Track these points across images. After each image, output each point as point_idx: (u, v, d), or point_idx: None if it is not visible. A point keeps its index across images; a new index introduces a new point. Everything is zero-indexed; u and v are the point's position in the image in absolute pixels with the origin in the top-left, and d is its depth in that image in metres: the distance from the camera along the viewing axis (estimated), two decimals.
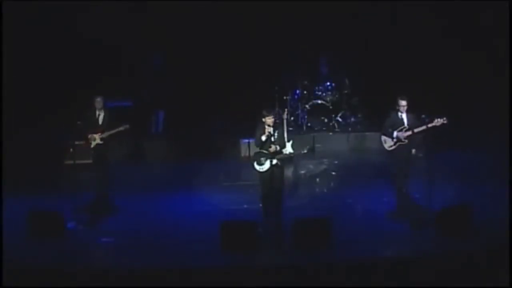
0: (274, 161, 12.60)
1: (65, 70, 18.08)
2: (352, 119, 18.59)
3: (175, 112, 18.75)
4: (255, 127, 12.77)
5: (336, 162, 17.14)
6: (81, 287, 11.19)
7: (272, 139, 12.61)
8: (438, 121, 12.99)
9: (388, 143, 13.41)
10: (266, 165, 12.65)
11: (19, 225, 12.68)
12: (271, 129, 12.60)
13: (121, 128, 13.75)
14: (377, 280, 11.14)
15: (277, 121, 13.02)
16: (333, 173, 16.51)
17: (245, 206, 13.98)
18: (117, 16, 18.32)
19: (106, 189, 13.94)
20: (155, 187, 15.33)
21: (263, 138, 12.58)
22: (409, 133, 13.17)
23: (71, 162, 14.49)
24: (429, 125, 13.06)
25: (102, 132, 13.77)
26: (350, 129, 18.42)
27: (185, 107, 18.76)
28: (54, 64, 18.03)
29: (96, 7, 18.07)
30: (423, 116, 13.08)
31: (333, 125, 18.46)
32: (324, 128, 18.48)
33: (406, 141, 13.22)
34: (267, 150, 12.63)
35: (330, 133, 18.40)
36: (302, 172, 16.45)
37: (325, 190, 15.75)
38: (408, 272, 11.23)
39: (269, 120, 12.57)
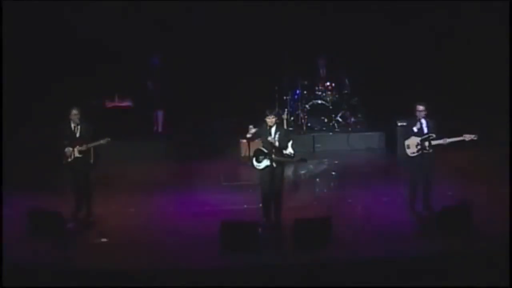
0: (273, 162, 12.61)
1: (65, 70, 18.06)
2: (352, 119, 18.58)
3: (175, 112, 18.73)
4: (259, 127, 12.80)
5: (336, 162, 17.14)
6: (81, 287, 11.19)
7: (272, 138, 12.61)
8: (467, 137, 12.67)
9: (411, 149, 12.88)
10: (264, 163, 12.65)
11: (19, 225, 12.67)
12: (272, 129, 12.63)
13: (102, 142, 12.87)
14: (377, 280, 11.13)
15: (277, 121, 13.03)
16: (333, 173, 16.50)
17: (245, 206, 13.97)
18: (116, 16, 18.32)
19: (85, 205, 13.23)
20: (154, 187, 15.32)
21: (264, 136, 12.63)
22: (440, 141, 12.72)
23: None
24: (458, 139, 12.70)
25: (81, 144, 12.87)
26: (350, 129, 18.41)
27: (185, 107, 18.75)
28: (54, 64, 18.02)
29: (96, 7, 18.06)
30: None
31: (333, 125, 18.45)
32: (324, 128, 18.48)
33: (431, 150, 12.76)
34: (266, 148, 12.65)
35: (330, 133, 18.39)
36: (302, 172, 16.44)
37: (325, 190, 15.74)
38: (408, 272, 11.22)
39: (270, 120, 12.64)
